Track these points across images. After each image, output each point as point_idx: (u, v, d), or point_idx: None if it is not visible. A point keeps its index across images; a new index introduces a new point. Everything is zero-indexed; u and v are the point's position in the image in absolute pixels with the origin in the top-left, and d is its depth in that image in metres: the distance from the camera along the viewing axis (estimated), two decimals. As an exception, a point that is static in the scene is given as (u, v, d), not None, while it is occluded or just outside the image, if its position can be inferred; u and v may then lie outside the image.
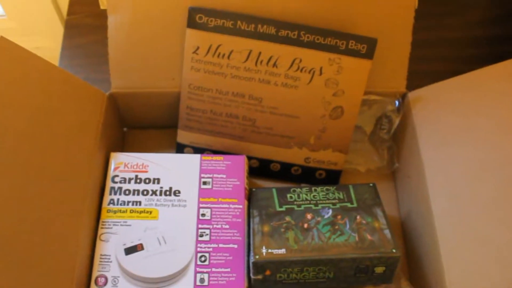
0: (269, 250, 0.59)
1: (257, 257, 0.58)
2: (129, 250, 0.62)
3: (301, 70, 0.64)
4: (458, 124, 0.62)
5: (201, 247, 0.62)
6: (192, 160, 0.67)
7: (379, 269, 0.60)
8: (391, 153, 0.72)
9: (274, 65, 0.64)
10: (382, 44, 0.64)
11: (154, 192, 0.65)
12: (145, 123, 0.76)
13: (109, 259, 0.62)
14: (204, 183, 0.65)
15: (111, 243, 0.62)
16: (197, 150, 0.71)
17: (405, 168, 0.70)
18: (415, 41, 0.66)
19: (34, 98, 0.57)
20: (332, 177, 0.71)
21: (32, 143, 0.56)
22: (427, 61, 0.85)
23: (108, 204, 0.64)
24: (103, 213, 0.64)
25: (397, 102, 0.69)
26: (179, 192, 0.65)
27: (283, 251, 0.59)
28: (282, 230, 0.61)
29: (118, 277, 0.61)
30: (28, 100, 0.56)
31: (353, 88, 0.65)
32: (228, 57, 0.65)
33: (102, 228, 0.63)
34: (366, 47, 0.63)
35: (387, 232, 0.60)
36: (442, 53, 0.87)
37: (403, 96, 0.69)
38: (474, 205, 0.57)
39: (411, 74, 0.68)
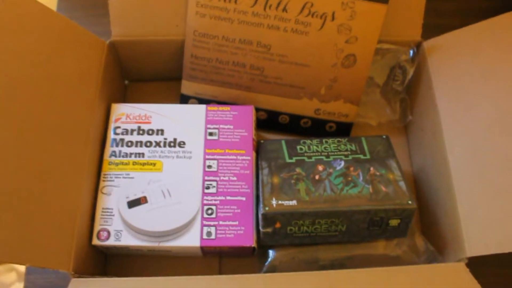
0: (280, 202, 0.56)
1: (266, 208, 0.56)
2: (132, 203, 0.59)
3: (312, 15, 0.61)
4: (476, 73, 0.59)
5: (207, 200, 0.59)
6: (198, 111, 0.64)
7: (394, 222, 0.57)
8: (404, 106, 0.69)
9: (284, 9, 0.61)
10: (398, -12, 0.61)
11: (157, 144, 0.62)
12: (147, 75, 0.73)
13: (111, 212, 0.59)
14: (210, 134, 0.63)
15: (113, 196, 0.60)
16: (202, 101, 0.68)
17: (419, 121, 0.67)
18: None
19: (32, 45, 0.54)
20: (342, 130, 0.69)
21: (31, 92, 0.52)
22: (439, 15, 0.82)
23: (110, 156, 0.62)
24: (105, 165, 0.61)
25: (411, 52, 0.66)
26: (184, 143, 0.62)
27: (294, 202, 0.56)
28: (293, 181, 0.58)
29: (121, 231, 0.58)
30: (26, 46, 0.53)
31: (367, 34, 0.62)
32: (235, 1, 0.61)
33: (103, 181, 0.60)
34: (382, -10, 0.60)
35: (402, 184, 0.58)
36: (454, 6, 0.83)
37: (418, 45, 0.66)
38: (493, 157, 0.54)
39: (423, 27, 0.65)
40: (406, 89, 0.69)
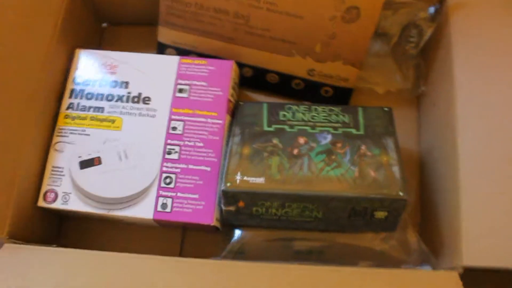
0: (245, 178, 0.48)
1: (228, 184, 0.48)
2: (85, 164, 0.52)
3: (308, -45, 0.50)
4: (505, 43, 0.48)
5: (167, 167, 0.51)
6: (169, 63, 0.55)
7: (380, 214, 0.48)
8: (418, 73, 0.58)
9: None
10: None
11: (120, 98, 0.54)
12: (126, 18, 0.64)
13: (61, 172, 0.52)
14: (180, 90, 0.54)
15: (66, 154, 0.53)
16: (181, 51, 0.59)
17: (432, 94, 0.56)
18: None
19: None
20: (340, 96, 0.58)
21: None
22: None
23: (67, 109, 0.55)
24: (60, 118, 0.54)
25: (432, 8, 0.54)
26: (148, 99, 0.54)
27: (261, 180, 0.48)
28: (266, 154, 0.50)
29: (70, 193, 0.52)
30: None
31: (375, -17, 0.51)
32: None
33: (57, 136, 0.54)
34: None
35: (395, 169, 0.48)
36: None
37: (441, 1, 0.54)
38: (510, 150, 0.44)
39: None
40: (422, 54, 0.57)
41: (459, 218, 0.45)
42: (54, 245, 0.54)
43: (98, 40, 0.65)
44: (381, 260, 0.51)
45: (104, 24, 0.66)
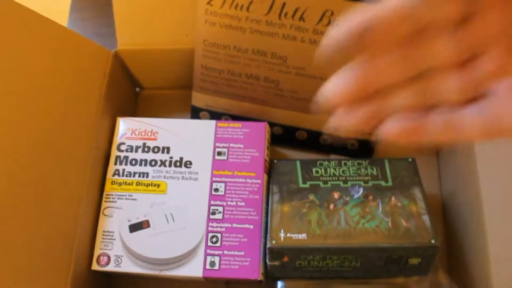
0: (288, 235, 0.52)
1: (273, 242, 0.51)
2: (134, 227, 0.56)
3: (332, 25, 0.55)
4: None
5: (212, 227, 0.55)
6: (206, 127, 0.59)
7: (414, 261, 0.52)
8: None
9: (301, 18, 0.55)
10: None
11: (163, 163, 0.58)
12: (159, 83, 0.68)
13: (112, 236, 0.56)
14: (219, 153, 0.58)
15: (115, 219, 0.57)
16: (214, 114, 0.64)
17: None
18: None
19: (28, 57, 0.50)
20: (365, 148, 0.63)
21: (28, 107, 0.49)
22: None
23: (113, 175, 0.58)
24: (107, 185, 0.58)
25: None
26: (190, 163, 0.58)
27: (303, 236, 0.52)
28: (305, 210, 0.54)
29: (122, 256, 0.55)
30: (22, 59, 0.49)
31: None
32: (247, 8, 0.55)
33: (106, 201, 0.57)
34: None
35: (425, 218, 0.52)
36: None
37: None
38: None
39: None
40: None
41: (489, 262, 0.49)
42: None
43: (133, 104, 0.69)
44: (416, 302, 0.54)
45: (137, 89, 0.70)
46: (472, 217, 0.54)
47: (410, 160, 0.57)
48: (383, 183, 0.55)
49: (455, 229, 0.58)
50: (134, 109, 0.69)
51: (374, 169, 0.57)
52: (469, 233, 0.55)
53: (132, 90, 0.69)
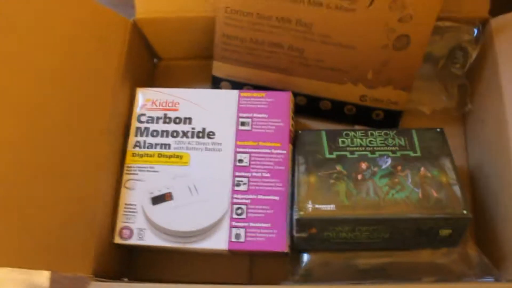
0: (316, 206, 0.51)
1: (301, 213, 0.50)
2: (157, 200, 0.55)
3: (359, -9, 0.53)
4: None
5: (237, 198, 0.54)
6: (229, 97, 0.58)
7: (444, 232, 0.51)
8: (463, 92, 0.61)
9: (328, -16, 0.53)
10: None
11: (185, 134, 0.57)
12: (178, 54, 0.67)
13: (134, 209, 0.55)
14: (243, 123, 0.57)
15: (137, 191, 0.55)
16: (236, 84, 0.62)
17: (480, 111, 0.59)
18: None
19: (47, 27, 0.48)
20: (390, 118, 0.61)
21: (46, 78, 0.48)
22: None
23: (134, 147, 0.57)
24: (128, 157, 0.57)
25: (475, 30, 0.57)
26: (213, 133, 0.56)
27: (332, 207, 0.51)
28: (332, 181, 0.52)
29: (145, 229, 0.54)
30: (40, 29, 0.48)
31: (424, 12, 0.53)
32: (272, -26, 0.54)
33: (127, 174, 0.56)
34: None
35: (456, 188, 0.51)
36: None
37: (484, 23, 0.57)
38: None
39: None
40: (467, 74, 0.60)
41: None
42: (125, 279, 0.57)
43: (152, 76, 0.68)
44: (443, 275, 0.53)
45: (155, 60, 0.69)
46: (502, 188, 0.53)
47: (438, 130, 0.56)
48: (411, 153, 0.54)
49: (483, 201, 0.57)
50: (152, 81, 0.68)
51: (402, 139, 0.55)
52: (499, 205, 0.54)
53: (150, 61, 0.68)
